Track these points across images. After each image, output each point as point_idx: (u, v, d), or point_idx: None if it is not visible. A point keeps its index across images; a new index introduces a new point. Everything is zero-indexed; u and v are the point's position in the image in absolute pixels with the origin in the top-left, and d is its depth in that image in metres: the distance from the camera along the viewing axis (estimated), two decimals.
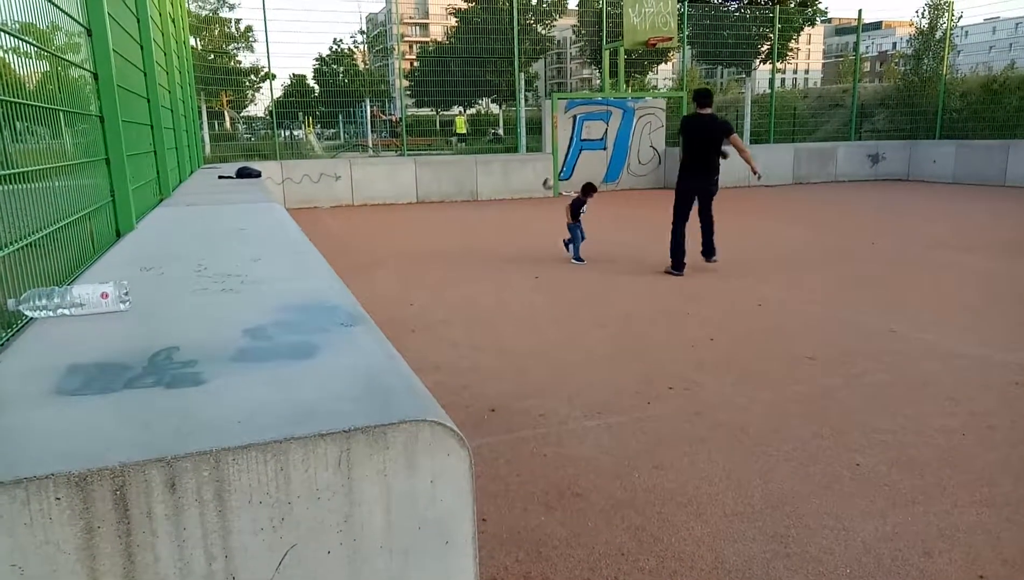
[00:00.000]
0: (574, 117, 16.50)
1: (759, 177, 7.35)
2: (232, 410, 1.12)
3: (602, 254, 8.38)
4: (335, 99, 21.12)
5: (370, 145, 20.13)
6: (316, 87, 27.21)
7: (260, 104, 23.00)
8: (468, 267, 7.84)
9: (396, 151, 18.19)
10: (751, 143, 18.07)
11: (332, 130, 24.24)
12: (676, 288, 6.60)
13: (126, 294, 1.77)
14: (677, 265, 7.16)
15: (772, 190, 16.67)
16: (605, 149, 16.76)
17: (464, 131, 21.76)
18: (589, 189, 8.26)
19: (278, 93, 16.92)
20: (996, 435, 3.36)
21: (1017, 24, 56.92)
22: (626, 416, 3.63)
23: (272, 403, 1.15)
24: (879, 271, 7.17)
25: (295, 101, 20.12)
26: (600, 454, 3.20)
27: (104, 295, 1.73)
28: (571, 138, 16.52)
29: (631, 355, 4.65)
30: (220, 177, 7.71)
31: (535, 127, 17.16)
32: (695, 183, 7.10)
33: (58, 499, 0.92)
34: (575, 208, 8.07)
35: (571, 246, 8.09)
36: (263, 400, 1.16)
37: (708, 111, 7.10)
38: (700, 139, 7.02)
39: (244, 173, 7.76)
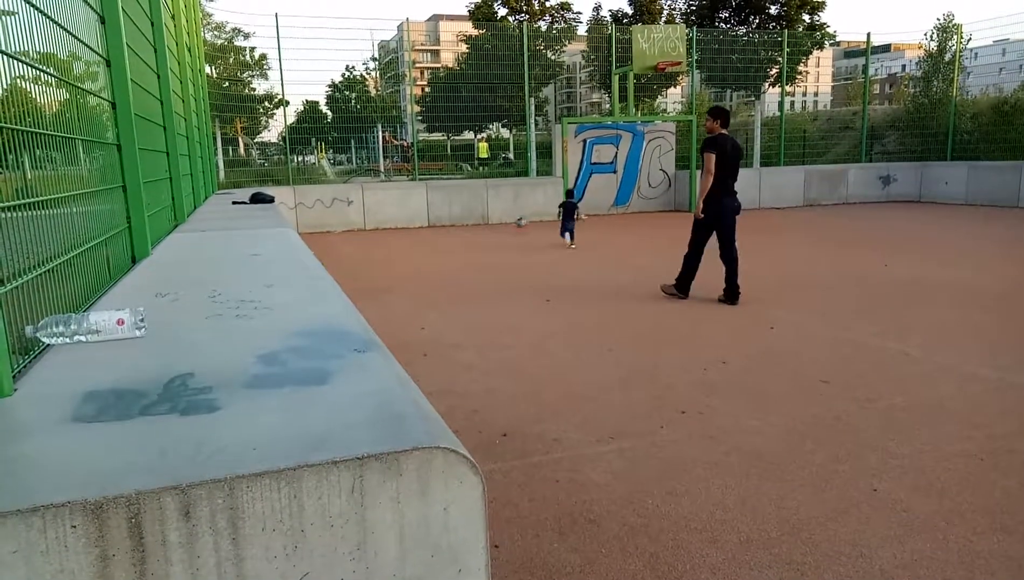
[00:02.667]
0: (584, 141, 16.60)
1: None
2: (246, 437, 1.12)
3: (613, 277, 8.38)
4: (347, 125, 21.36)
5: (382, 170, 20.30)
6: (329, 113, 27.53)
7: (274, 130, 23.28)
8: (479, 290, 7.85)
9: (407, 176, 18.33)
10: (761, 165, 18.13)
11: (344, 155, 24.47)
12: (687, 311, 6.58)
13: (142, 320, 1.79)
14: (684, 285, 7.02)
15: (783, 212, 16.64)
16: (615, 173, 16.82)
17: (487, 155, 21.95)
18: (570, 195, 11.70)
19: (291, 119, 17.14)
20: (1015, 459, 3.31)
21: None
22: (639, 440, 3.60)
23: (286, 430, 1.15)
24: (892, 293, 7.13)
25: (308, 127, 20.35)
26: (613, 479, 3.18)
27: (120, 322, 1.75)
28: (581, 162, 16.60)
29: (643, 378, 4.62)
30: (234, 202, 7.79)
31: (545, 151, 17.27)
32: (732, 202, 6.84)
33: (74, 527, 0.93)
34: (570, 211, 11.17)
35: (569, 234, 11.16)
36: (277, 427, 1.17)
37: (727, 131, 6.94)
38: (732, 158, 6.79)
39: (258, 198, 7.83)
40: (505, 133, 26.72)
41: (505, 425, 3.84)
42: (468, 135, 26.19)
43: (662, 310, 6.65)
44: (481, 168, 20.98)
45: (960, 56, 19.77)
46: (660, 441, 3.59)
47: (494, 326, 6.17)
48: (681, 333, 5.78)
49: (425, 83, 31.62)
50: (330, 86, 29.70)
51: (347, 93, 30.02)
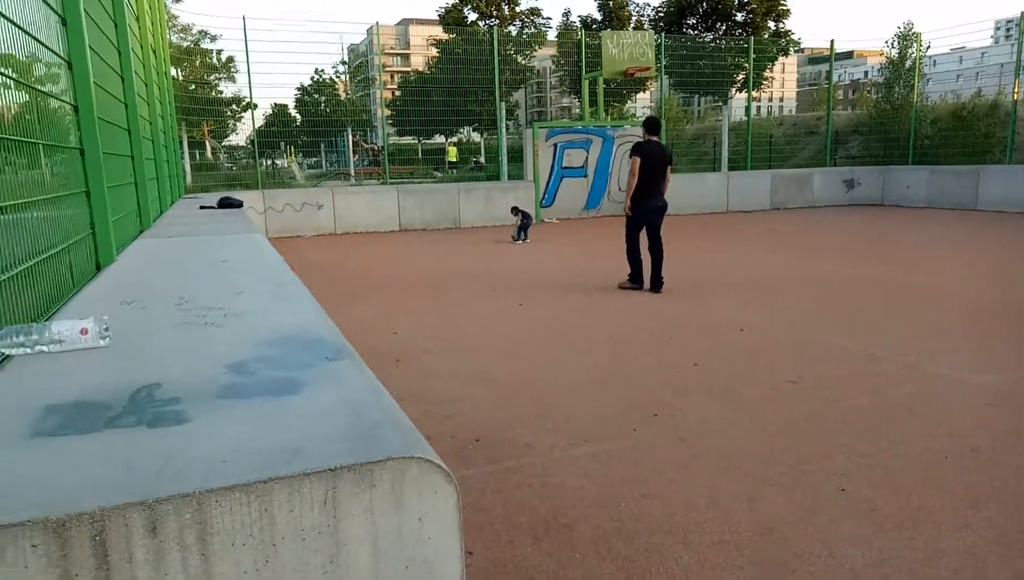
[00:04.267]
0: (555, 145, 16.63)
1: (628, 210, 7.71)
2: (215, 449, 1.10)
3: (584, 280, 8.40)
4: (317, 128, 21.14)
5: (352, 174, 20.15)
6: (298, 116, 27.25)
7: (242, 133, 22.98)
8: (451, 294, 7.81)
9: (378, 179, 18.20)
10: (729, 169, 18.35)
11: (314, 159, 24.24)
12: (657, 313, 6.62)
13: (106, 329, 1.74)
14: (637, 278, 7.70)
15: (750, 216, 16.86)
16: (586, 177, 16.87)
17: (456, 159, 21.89)
18: (516, 211, 12.76)
19: (260, 122, 16.88)
20: (978, 457, 3.38)
21: (983, 53, 58.54)
22: (612, 444, 3.61)
23: (256, 441, 1.13)
24: (858, 295, 7.24)
25: (277, 131, 20.12)
26: (587, 483, 3.18)
27: (84, 331, 1.70)
28: (552, 166, 16.63)
29: (616, 381, 4.63)
30: (201, 207, 7.66)
31: (516, 155, 17.27)
32: (655, 201, 7.61)
33: (34, 546, 0.90)
34: (525, 224, 12.44)
35: (524, 233, 12.47)
36: (247, 438, 1.14)
37: (656, 138, 7.69)
38: (656, 162, 7.55)
39: (226, 203, 7.72)
40: (476, 137, 26.70)
41: (478, 430, 3.82)
42: (439, 139, 26.10)
43: (634, 312, 6.69)
44: (451, 172, 20.94)
45: (920, 63, 20.25)
46: (633, 444, 3.60)
47: (467, 331, 6.15)
48: (653, 335, 5.81)
49: (395, 87, 31.48)
50: (299, 89, 29.41)
51: (316, 96, 29.75)
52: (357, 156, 21.39)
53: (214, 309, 2.11)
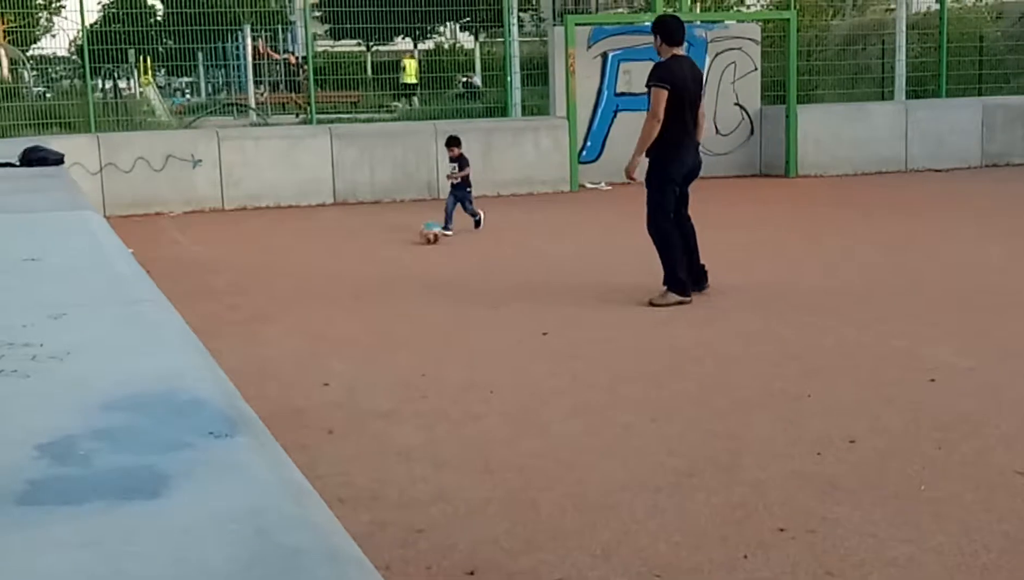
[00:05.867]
0: (604, 55, 16.25)
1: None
2: None
3: (648, 292, 7.93)
4: (192, 29, 20.93)
5: (253, 105, 20.01)
6: (159, 7, 27.31)
7: (62, 37, 23.07)
8: (422, 315, 7.46)
9: (297, 114, 18.18)
10: (909, 97, 17.84)
11: (187, 79, 24.22)
12: (773, 343, 6.28)
13: None
14: (682, 285, 7.51)
15: (947, 177, 16.43)
16: None
17: (415, 80, 21.69)
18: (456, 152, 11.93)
19: (93, 19, 16.94)
20: None
21: None
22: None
23: None
24: None
25: (122, 32, 20.04)
26: None
27: None
28: (600, 90, 16.06)
29: (708, 469, 4.39)
30: None
31: (537, 73, 17.20)
32: (692, 159, 7.68)
33: None
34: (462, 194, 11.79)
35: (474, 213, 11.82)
36: (69, 578, 1.12)
37: (682, 52, 7.68)
38: (692, 94, 7.53)
39: (35, 157, 7.75)
40: (467, 42, 26.71)
41: (472, 555, 3.69)
42: (402, 44, 26.16)
43: (734, 344, 6.39)
44: (414, 102, 20.70)
45: None
46: None
47: (449, 377, 5.89)
48: (770, 385, 5.51)
49: None
50: None
51: None
52: (263, 77, 21.39)
53: (16, 346, 2.10)
